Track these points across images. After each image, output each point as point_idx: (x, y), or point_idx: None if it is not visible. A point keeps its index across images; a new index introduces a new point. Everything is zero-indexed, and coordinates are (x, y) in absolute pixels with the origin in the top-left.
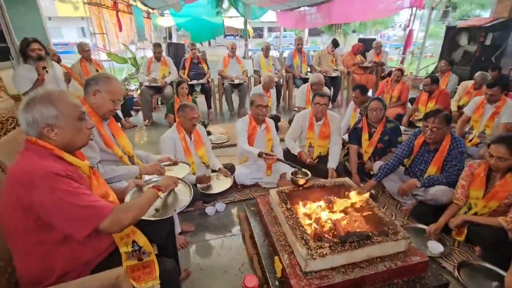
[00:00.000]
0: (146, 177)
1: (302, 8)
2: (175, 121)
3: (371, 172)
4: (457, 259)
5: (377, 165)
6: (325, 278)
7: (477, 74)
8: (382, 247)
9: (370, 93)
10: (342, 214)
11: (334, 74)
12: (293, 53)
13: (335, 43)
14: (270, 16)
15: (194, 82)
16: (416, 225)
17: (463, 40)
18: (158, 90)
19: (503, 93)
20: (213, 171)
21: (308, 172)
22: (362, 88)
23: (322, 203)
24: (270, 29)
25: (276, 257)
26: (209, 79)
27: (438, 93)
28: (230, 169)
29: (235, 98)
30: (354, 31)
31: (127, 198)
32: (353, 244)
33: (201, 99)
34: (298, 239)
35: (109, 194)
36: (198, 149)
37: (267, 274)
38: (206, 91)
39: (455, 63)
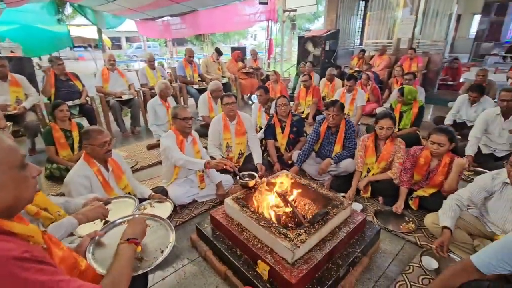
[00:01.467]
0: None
1: (165, 18)
2: (57, 153)
3: (289, 162)
4: (371, 210)
5: (295, 154)
6: (309, 260)
7: (328, 71)
8: (338, 218)
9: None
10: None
11: (223, 81)
12: (184, 64)
13: (218, 52)
14: (128, 26)
15: (70, 103)
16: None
17: (311, 46)
18: (14, 119)
19: (355, 84)
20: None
21: (255, 174)
22: (265, 88)
23: (275, 197)
24: (128, 39)
25: (259, 261)
26: (87, 98)
27: (312, 89)
28: (161, 192)
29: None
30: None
31: (91, 262)
32: (320, 223)
33: (83, 122)
34: (277, 235)
35: (78, 261)
36: (120, 180)
37: (254, 281)
38: (87, 112)
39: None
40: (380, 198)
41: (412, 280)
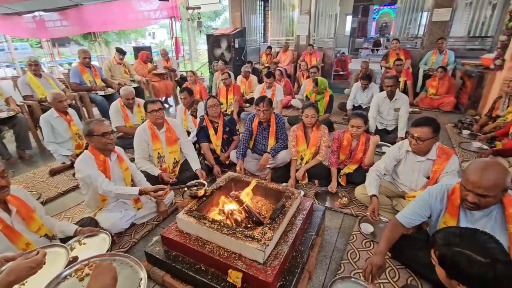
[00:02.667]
0: None
1: (37, 13)
2: None
3: (227, 162)
4: (311, 194)
5: (233, 154)
6: (278, 255)
7: (243, 68)
8: (293, 208)
9: (171, 99)
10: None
11: (133, 85)
12: (80, 68)
13: (120, 51)
14: None
15: None
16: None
17: (221, 44)
18: None
19: (274, 80)
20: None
21: (204, 182)
22: (188, 90)
23: (228, 201)
24: None
25: (229, 270)
26: None
27: (232, 87)
28: (90, 224)
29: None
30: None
31: None
32: (280, 216)
33: None
34: (244, 239)
35: None
36: (31, 222)
37: None
38: None
39: (226, 61)
40: (316, 181)
41: (358, 246)
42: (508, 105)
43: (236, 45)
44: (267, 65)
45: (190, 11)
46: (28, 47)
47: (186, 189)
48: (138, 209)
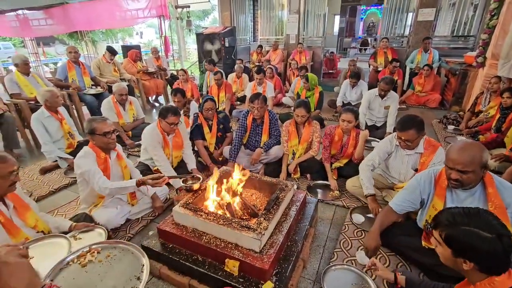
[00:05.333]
0: None
1: (21, 12)
2: None
3: (220, 159)
4: (303, 187)
5: (225, 150)
6: (274, 244)
7: (236, 67)
8: (287, 199)
9: (162, 97)
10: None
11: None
12: (68, 65)
13: (111, 51)
14: None
15: None
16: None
17: (211, 43)
18: None
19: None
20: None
21: (200, 176)
22: (181, 92)
23: (224, 194)
24: None
25: (226, 260)
26: None
27: (224, 85)
28: (85, 220)
29: None
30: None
31: None
32: (274, 207)
33: None
34: (240, 229)
35: None
36: (26, 217)
37: (226, 281)
38: None
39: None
40: (308, 175)
41: (350, 235)
42: (489, 100)
43: (227, 44)
44: (258, 63)
45: (179, 9)
46: (11, 47)
47: (182, 182)
48: (133, 205)
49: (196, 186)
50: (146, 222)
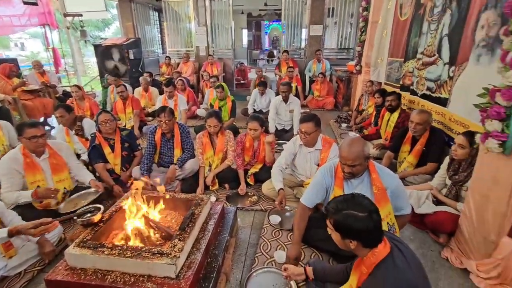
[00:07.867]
0: None
1: None
2: None
3: (129, 182)
4: (222, 198)
5: (134, 171)
6: (192, 264)
7: (141, 80)
8: (203, 214)
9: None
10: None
11: None
12: None
13: None
14: None
15: None
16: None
17: (113, 56)
18: None
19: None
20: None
21: (99, 206)
22: (66, 107)
23: (132, 221)
24: None
25: None
26: None
27: (131, 100)
28: None
29: None
30: None
31: None
32: (190, 225)
33: None
34: (152, 257)
35: None
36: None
37: None
38: None
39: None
40: (226, 185)
41: (268, 237)
42: (368, 100)
43: (132, 56)
44: (168, 76)
45: (69, 18)
46: None
47: (77, 218)
48: (11, 257)
49: (97, 218)
50: (32, 275)
